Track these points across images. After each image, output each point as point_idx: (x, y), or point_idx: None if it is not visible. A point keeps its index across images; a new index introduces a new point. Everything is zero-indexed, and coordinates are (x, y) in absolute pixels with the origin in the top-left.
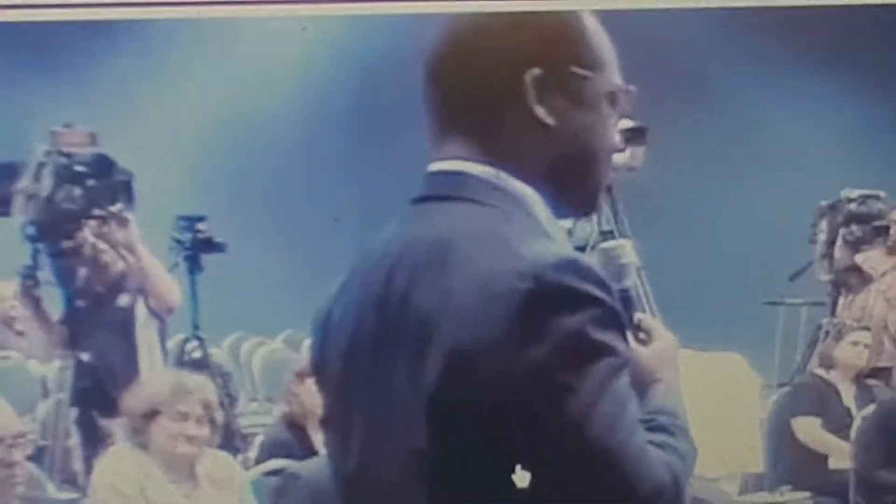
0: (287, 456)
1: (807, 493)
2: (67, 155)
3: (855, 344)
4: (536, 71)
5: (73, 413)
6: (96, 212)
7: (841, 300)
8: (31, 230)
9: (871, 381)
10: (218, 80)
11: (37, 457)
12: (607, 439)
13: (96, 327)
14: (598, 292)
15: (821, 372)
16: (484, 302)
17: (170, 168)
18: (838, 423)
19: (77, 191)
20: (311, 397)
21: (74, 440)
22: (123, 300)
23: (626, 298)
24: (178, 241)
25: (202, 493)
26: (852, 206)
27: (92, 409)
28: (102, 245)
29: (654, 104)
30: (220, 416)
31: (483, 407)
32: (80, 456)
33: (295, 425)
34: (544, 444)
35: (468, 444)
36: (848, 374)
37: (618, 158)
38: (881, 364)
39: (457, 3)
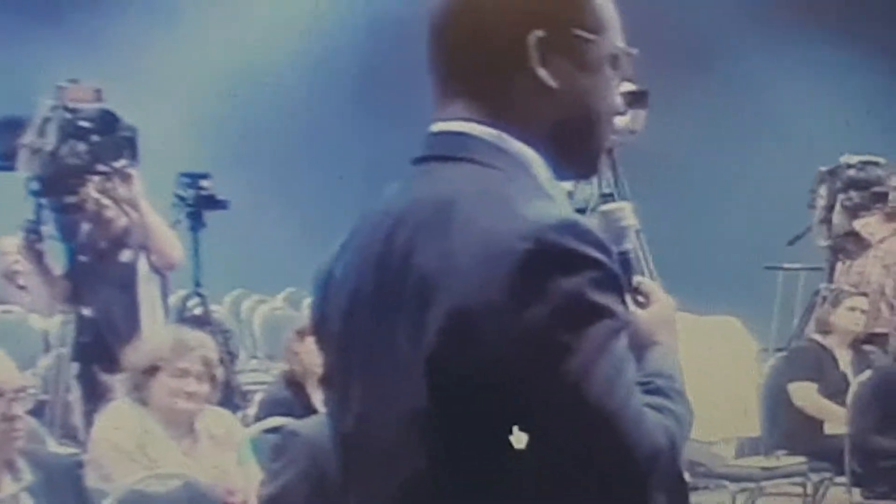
0: (286, 414)
1: (802, 458)
2: (72, 110)
3: (852, 309)
4: (540, 33)
5: (75, 368)
6: (100, 167)
7: (839, 266)
8: (34, 185)
9: (868, 347)
10: (223, 38)
11: (37, 411)
12: (605, 401)
13: (98, 282)
14: (597, 254)
15: (818, 337)
16: (484, 262)
17: (174, 125)
18: (834, 389)
19: (81, 146)
20: (312, 356)
21: (75, 395)
22: (126, 256)
23: (626, 261)
24: (181, 198)
25: (201, 449)
26: (851, 171)
27: (93, 364)
28: (106, 201)
29: (656, 68)
30: (220, 373)
31: (482, 367)
32: (81, 411)
33: (295, 383)
34: (542, 404)
35: (466, 404)
36: (845, 339)
37: (619, 121)
38: (878, 330)
39: None
